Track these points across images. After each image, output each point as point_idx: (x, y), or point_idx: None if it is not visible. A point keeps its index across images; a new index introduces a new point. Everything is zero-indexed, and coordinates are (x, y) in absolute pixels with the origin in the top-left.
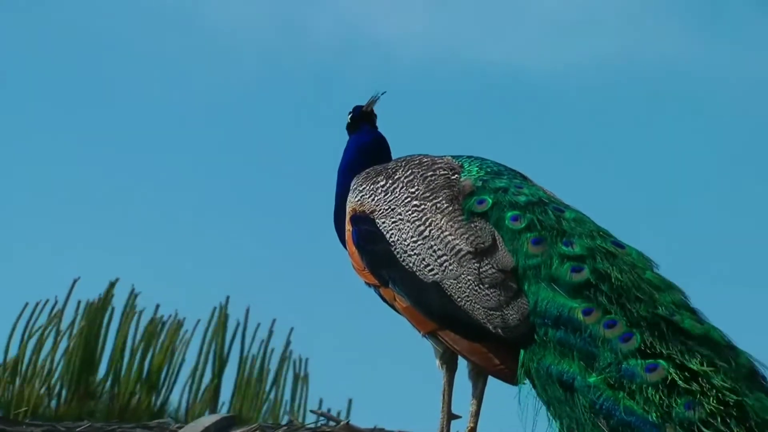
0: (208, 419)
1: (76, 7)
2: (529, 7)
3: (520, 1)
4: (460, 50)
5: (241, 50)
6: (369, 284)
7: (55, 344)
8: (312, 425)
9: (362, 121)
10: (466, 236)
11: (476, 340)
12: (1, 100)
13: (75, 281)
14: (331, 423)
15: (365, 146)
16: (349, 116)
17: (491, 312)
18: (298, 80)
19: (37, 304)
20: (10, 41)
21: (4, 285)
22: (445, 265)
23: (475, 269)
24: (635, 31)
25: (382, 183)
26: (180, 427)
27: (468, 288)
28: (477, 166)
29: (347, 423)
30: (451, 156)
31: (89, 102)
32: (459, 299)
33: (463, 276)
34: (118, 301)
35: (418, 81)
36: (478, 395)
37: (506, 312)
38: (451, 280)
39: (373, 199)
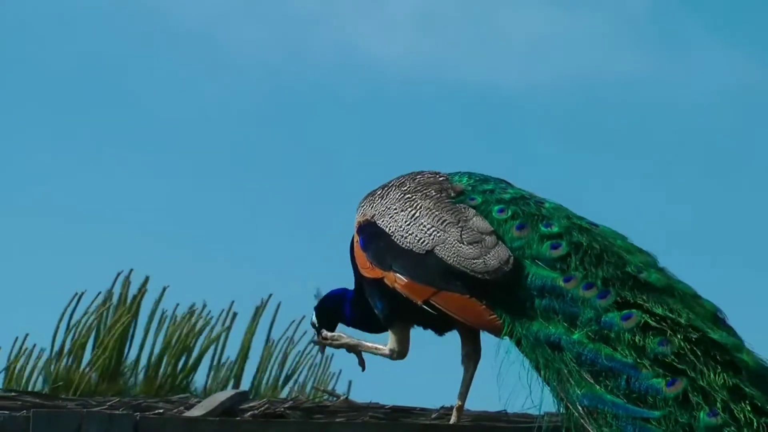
0: (223, 394)
1: (107, 31)
2: (503, 31)
3: (494, 25)
4: (441, 70)
5: (251, 68)
6: (372, 278)
7: (99, 332)
8: (315, 401)
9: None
10: (450, 211)
11: (465, 292)
12: (52, 113)
13: (118, 275)
14: (333, 398)
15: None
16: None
17: (473, 261)
18: (299, 95)
19: (82, 295)
20: (52, 61)
21: (50, 277)
22: (433, 234)
23: (457, 232)
24: (596, 53)
25: (378, 193)
26: (198, 401)
27: (452, 248)
28: (466, 177)
29: (346, 398)
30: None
31: (120, 114)
32: (447, 258)
33: (448, 239)
34: (150, 295)
35: (404, 97)
36: (469, 377)
37: (486, 258)
38: (439, 246)
39: (372, 207)
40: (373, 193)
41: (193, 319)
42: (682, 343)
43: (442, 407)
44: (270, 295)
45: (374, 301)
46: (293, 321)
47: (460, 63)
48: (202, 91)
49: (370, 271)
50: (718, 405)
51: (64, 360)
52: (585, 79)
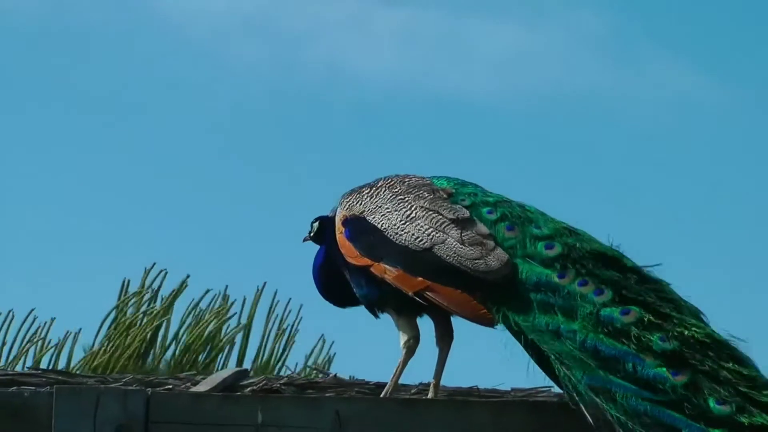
0: (225, 372)
1: (119, 44)
2: (476, 48)
3: (468, 43)
4: (421, 83)
5: (249, 80)
6: (359, 266)
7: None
8: (306, 377)
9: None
10: (446, 210)
11: (459, 287)
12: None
13: (147, 270)
14: (323, 376)
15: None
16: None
17: (475, 261)
18: (291, 106)
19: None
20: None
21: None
22: (432, 234)
23: (457, 234)
24: (560, 67)
25: (366, 191)
26: (204, 378)
27: (453, 248)
28: (445, 180)
29: (335, 375)
30: None
31: (127, 121)
32: (447, 257)
33: (448, 240)
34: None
35: (387, 109)
36: (444, 356)
37: (487, 260)
38: (439, 245)
39: (360, 204)
40: (359, 190)
41: (210, 312)
42: (684, 339)
43: (420, 383)
44: (265, 283)
45: (361, 287)
46: (287, 303)
47: (437, 77)
48: (206, 101)
49: (358, 260)
50: (725, 392)
51: (103, 351)
52: (549, 92)
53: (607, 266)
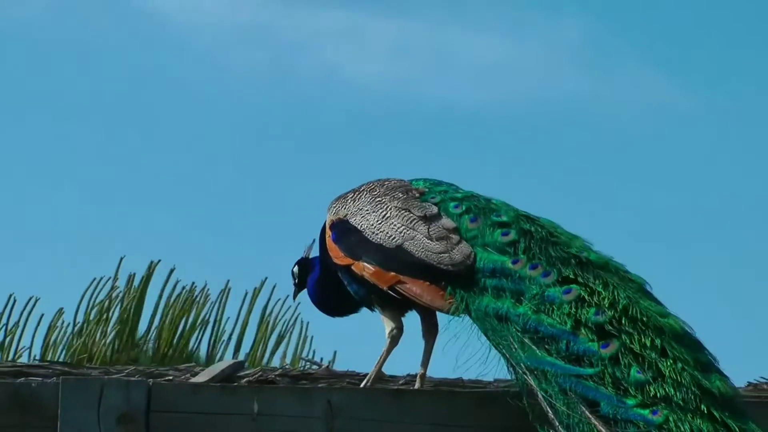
0: (223, 363)
1: (126, 53)
2: (460, 56)
3: (454, 52)
4: (410, 89)
5: (248, 87)
6: (343, 265)
7: (111, 309)
8: (300, 369)
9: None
10: (416, 208)
11: (428, 279)
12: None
13: (122, 259)
14: (315, 367)
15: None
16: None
17: (440, 255)
18: (288, 112)
19: (100, 279)
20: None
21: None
22: (403, 231)
23: (425, 230)
24: (540, 75)
25: (350, 196)
26: (202, 369)
27: (421, 243)
28: (422, 180)
29: (327, 367)
30: None
31: (142, 126)
32: (416, 252)
33: (417, 236)
34: (160, 276)
35: (380, 112)
36: (429, 348)
37: (452, 254)
38: (409, 241)
39: (344, 208)
40: (344, 196)
41: (194, 296)
42: (615, 312)
43: (407, 374)
44: (266, 278)
45: (350, 285)
46: (283, 300)
47: (425, 85)
48: (206, 106)
49: (342, 260)
50: (646, 362)
51: (84, 335)
52: (531, 99)
53: (555, 247)
